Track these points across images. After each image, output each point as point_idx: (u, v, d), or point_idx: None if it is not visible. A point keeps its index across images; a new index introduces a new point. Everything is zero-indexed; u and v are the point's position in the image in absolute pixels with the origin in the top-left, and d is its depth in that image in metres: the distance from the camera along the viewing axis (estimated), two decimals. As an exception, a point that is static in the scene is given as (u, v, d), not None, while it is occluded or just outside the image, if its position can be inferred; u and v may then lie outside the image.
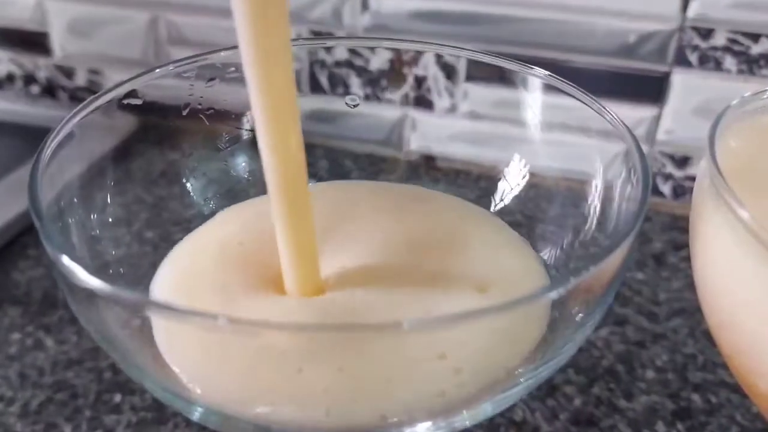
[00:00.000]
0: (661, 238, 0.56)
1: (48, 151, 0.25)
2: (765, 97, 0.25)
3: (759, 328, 0.19)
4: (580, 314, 0.22)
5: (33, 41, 0.69)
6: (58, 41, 0.68)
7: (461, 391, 0.21)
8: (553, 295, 0.19)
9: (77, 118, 0.27)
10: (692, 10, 0.53)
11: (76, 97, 0.70)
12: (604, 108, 0.27)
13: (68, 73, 0.69)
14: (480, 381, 0.21)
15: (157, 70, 0.28)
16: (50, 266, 0.22)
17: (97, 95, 0.27)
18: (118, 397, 0.41)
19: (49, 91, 0.72)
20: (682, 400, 0.43)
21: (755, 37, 0.53)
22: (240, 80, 0.21)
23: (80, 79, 0.69)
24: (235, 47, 0.21)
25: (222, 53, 0.28)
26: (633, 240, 0.21)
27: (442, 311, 0.23)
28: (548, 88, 0.29)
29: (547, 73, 0.29)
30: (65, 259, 0.20)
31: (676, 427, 0.41)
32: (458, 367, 0.21)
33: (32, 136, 0.68)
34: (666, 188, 0.61)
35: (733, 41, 0.53)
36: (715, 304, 0.21)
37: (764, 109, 0.25)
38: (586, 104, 0.27)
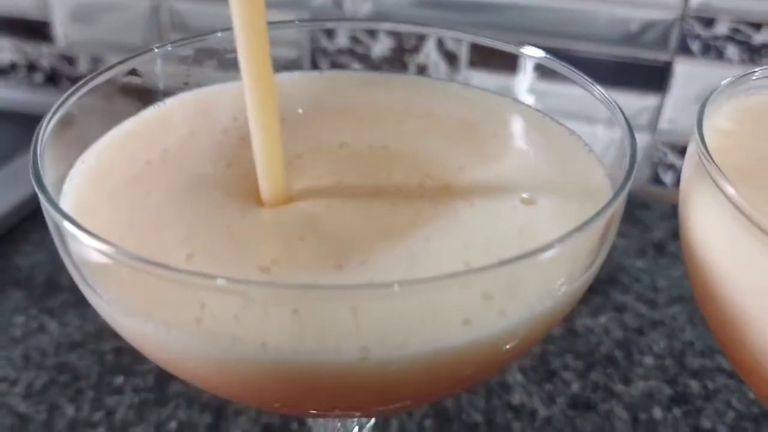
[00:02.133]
0: (662, 226, 0.56)
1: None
2: (753, 78, 0.26)
3: (742, 300, 0.19)
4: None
5: (36, 30, 0.69)
6: (60, 29, 0.68)
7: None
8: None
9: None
10: (694, 0, 0.53)
11: (80, 84, 0.70)
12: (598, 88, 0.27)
13: (71, 60, 0.70)
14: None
15: (156, 50, 0.28)
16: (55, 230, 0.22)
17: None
18: (120, 379, 0.41)
19: (52, 79, 0.72)
20: (679, 385, 0.43)
21: (757, 27, 0.53)
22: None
23: (82, 67, 0.69)
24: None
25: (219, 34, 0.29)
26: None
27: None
28: (544, 69, 0.29)
29: (544, 54, 0.29)
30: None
31: (672, 411, 0.42)
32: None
33: (33, 125, 0.68)
34: (667, 177, 0.61)
35: (736, 30, 0.54)
36: (701, 277, 0.21)
37: (752, 91, 0.25)
38: (582, 86, 0.27)
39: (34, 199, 0.54)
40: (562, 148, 0.27)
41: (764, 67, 0.26)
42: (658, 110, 0.58)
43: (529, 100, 0.32)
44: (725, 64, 0.55)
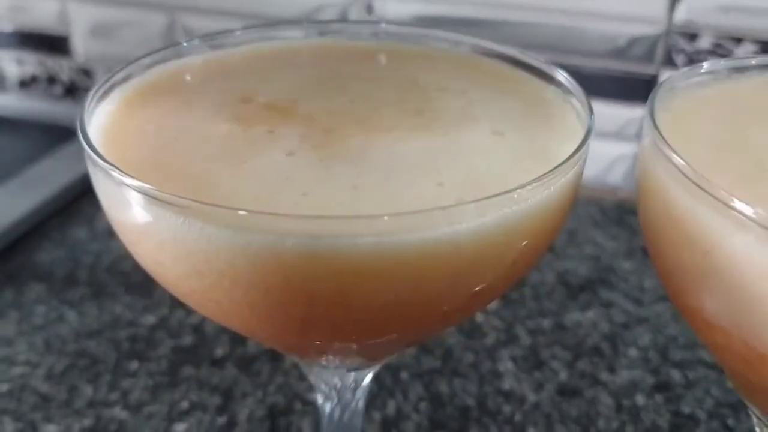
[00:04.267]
0: (649, 230, 0.59)
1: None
2: (701, 71, 0.29)
3: (700, 262, 0.21)
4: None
5: (56, 44, 0.73)
6: (79, 44, 0.72)
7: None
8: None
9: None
10: (679, 15, 0.56)
11: (97, 96, 0.74)
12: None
13: (89, 73, 0.73)
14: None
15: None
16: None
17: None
18: (135, 364, 0.44)
19: (70, 91, 0.75)
20: (661, 375, 0.46)
21: (738, 41, 0.56)
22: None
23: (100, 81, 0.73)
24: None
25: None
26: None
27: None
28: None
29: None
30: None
31: (654, 398, 0.44)
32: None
33: (52, 134, 0.72)
34: (655, 185, 0.64)
35: (717, 45, 0.57)
36: (659, 247, 0.24)
37: (698, 84, 0.28)
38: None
39: (55, 200, 0.58)
40: (537, 96, 0.30)
41: (711, 61, 0.29)
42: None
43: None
44: (709, 77, 0.58)
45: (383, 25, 0.34)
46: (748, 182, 0.20)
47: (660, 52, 0.58)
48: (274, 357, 0.45)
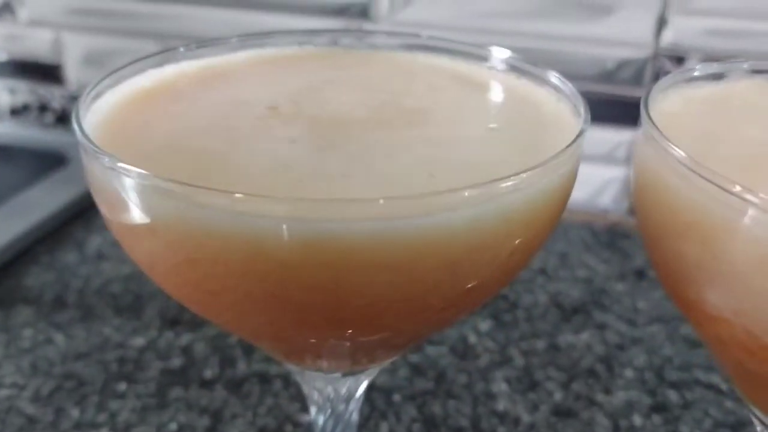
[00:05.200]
0: (641, 254, 0.59)
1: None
2: (695, 74, 0.29)
3: (701, 251, 0.21)
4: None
5: (49, 72, 0.73)
6: (72, 72, 0.72)
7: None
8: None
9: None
10: (666, 39, 0.57)
11: (89, 124, 0.74)
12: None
13: (82, 101, 0.74)
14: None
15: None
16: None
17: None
18: (123, 386, 0.43)
19: (62, 119, 0.75)
20: (658, 395, 0.45)
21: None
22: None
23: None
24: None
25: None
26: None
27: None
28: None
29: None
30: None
31: (651, 419, 0.44)
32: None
33: (44, 161, 0.72)
34: (646, 208, 0.64)
35: (705, 69, 0.57)
36: (659, 241, 0.24)
37: (690, 85, 0.29)
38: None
39: (45, 225, 0.57)
40: (529, 96, 0.30)
41: (702, 64, 0.30)
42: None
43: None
44: (697, 101, 0.58)
45: (376, 33, 0.35)
46: (745, 173, 0.20)
47: (648, 76, 0.59)
48: (264, 379, 0.44)
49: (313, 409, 0.30)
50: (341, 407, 0.30)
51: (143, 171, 0.21)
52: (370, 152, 0.25)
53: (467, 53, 0.33)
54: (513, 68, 0.32)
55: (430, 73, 0.32)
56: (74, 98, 0.73)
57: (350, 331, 0.24)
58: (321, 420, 0.30)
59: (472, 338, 0.49)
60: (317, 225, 0.20)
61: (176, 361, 0.46)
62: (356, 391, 0.29)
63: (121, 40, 0.69)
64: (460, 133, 0.27)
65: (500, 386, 0.45)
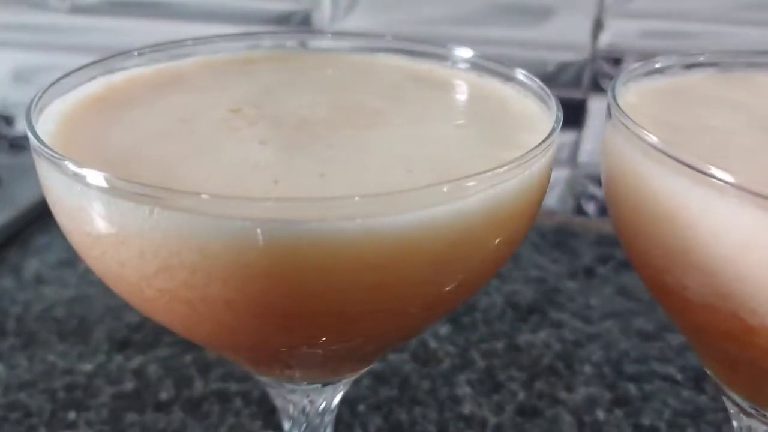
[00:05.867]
0: (589, 252, 0.60)
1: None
2: (656, 66, 0.30)
3: (683, 237, 0.22)
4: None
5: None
6: (1, 90, 0.69)
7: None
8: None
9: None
10: (603, 41, 0.59)
11: (17, 144, 0.71)
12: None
13: (9, 120, 0.70)
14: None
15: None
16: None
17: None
18: (72, 414, 0.41)
19: (-10, 141, 0.72)
20: (618, 389, 0.46)
21: (660, 65, 0.59)
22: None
23: (21, 126, 0.70)
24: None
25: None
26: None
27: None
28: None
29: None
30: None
31: (614, 413, 0.44)
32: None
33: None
34: (590, 207, 0.65)
35: (641, 69, 0.59)
36: (636, 230, 0.24)
37: (651, 78, 0.29)
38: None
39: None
40: (496, 94, 0.30)
41: (662, 57, 0.30)
42: (577, 145, 0.62)
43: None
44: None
45: (337, 36, 0.34)
46: (715, 159, 0.20)
47: (587, 77, 0.60)
48: (224, 397, 0.43)
49: (286, 425, 0.29)
50: (317, 420, 0.29)
51: (113, 175, 0.20)
52: (342, 151, 0.24)
53: (427, 53, 0.32)
54: (475, 66, 0.32)
55: (390, 73, 0.32)
56: (3, 117, 0.70)
57: (332, 332, 0.23)
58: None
59: (433, 343, 0.48)
60: (292, 226, 0.19)
61: (128, 385, 0.43)
62: (332, 402, 0.28)
63: (50, 56, 0.66)
64: (429, 131, 0.26)
65: (464, 389, 0.45)
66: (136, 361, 0.45)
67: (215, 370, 0.45)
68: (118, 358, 0.45)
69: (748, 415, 0.26)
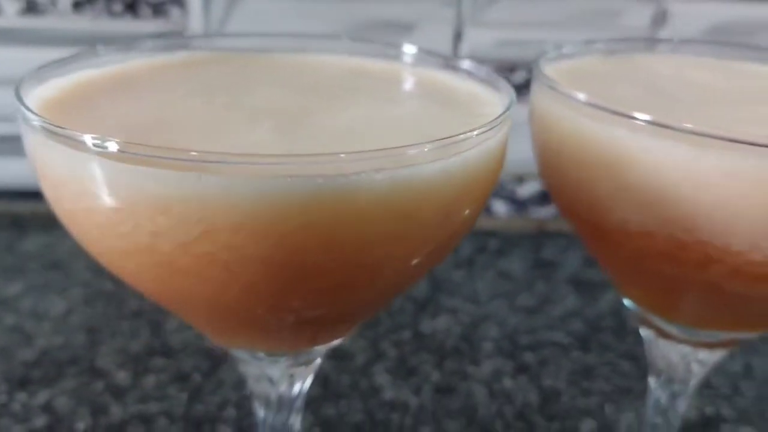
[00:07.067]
0: (468, 246, 0.64)
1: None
2: (563, 51, 0.34)
3: (624, 178, 0.25)
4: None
5: None
6: None
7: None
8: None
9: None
10: (463, 50, 0.63)
11: None
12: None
13: None
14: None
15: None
16: None
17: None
18: (-16, 458, 0.38)
19: None
20: (518, 359, 0.50)
21: (511, 70, 0.65)
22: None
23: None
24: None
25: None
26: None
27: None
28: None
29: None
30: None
31: (518, 379, 0.48)
32: None
33: None
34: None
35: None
36: (563, 182, 0.28)
37: (564, 59, 0.34)
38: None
39: None
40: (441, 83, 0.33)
41: (575, 42, 0.34)
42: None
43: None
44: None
45: (285, 35, 0.36)
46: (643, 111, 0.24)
47: (449, 83, 0.64)
48: (146, 419, 0.42)
49: (260, 408, 0.29)
50: (293, 404, 0.29)
51: (109, 139, 0.21)
52: (333, 131, 0.26)
53: (369, 51, 0.34)
54: (421, 60, 0.34)
55: (334, 69, 0.33)
56: None
57: (309, 291, 0.24)
58: (271, 417, 0.29)
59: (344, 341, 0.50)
60: (275, 182, 0.20)
61: (39, 421, 0.41)
62: (306, 382, 0.29)
63: None
64: (395, 113, 0.28)
65: (382, 378, 0.47)
66: (41, 396, 0.43)
67: (131, 393, 0.43)
68: (21, 396, 0.43)
69: (666, 337, 0.30)
